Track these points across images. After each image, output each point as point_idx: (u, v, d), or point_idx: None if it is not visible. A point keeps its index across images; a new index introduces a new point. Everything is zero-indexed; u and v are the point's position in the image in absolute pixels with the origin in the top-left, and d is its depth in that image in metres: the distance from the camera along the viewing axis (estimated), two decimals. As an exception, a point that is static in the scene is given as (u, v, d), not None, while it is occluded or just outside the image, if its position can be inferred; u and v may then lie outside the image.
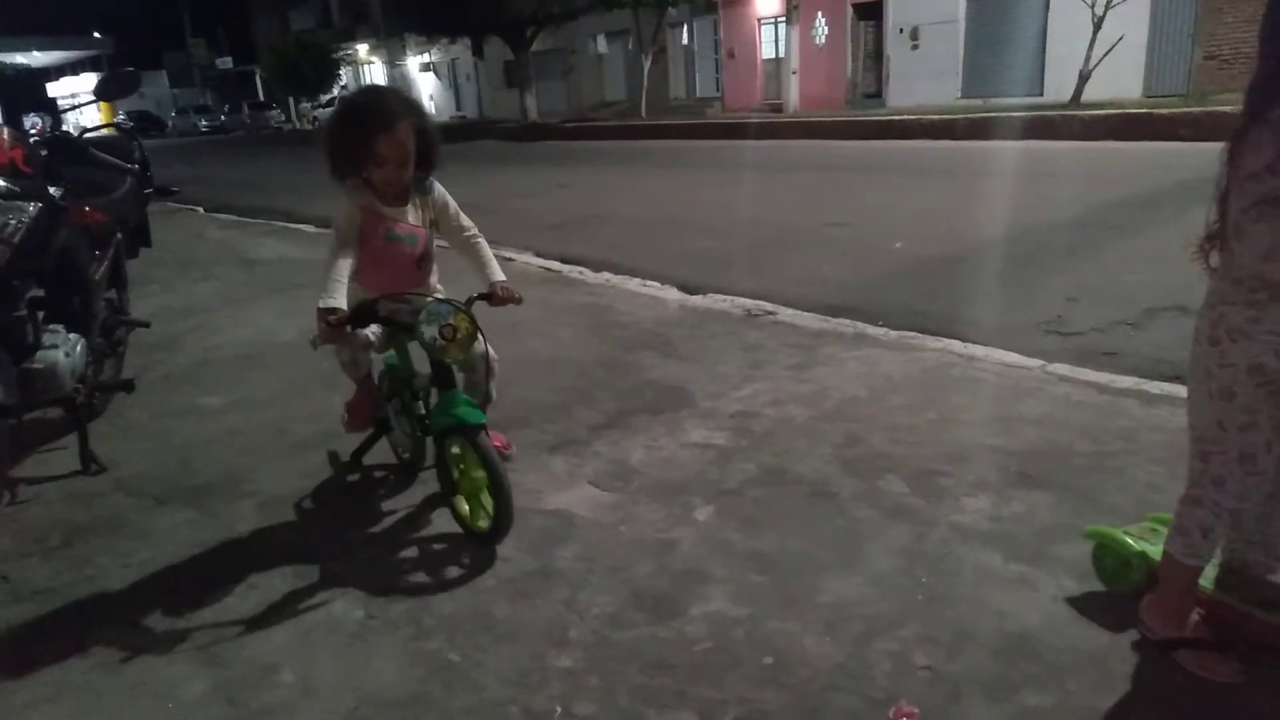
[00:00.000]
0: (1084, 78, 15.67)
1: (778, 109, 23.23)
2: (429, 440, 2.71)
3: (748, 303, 4.75)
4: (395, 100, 2.48)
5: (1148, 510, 2.18)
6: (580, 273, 5.88)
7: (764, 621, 1.99)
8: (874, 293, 5.05)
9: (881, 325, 4.21)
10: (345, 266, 2.38)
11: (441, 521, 2.56)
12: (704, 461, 2.86)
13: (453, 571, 2.31)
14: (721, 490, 2.65)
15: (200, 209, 10.87)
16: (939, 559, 2.22)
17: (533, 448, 3.04)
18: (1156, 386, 3.18)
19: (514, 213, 9.04)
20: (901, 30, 22.24)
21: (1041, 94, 18.45)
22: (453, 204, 2.64)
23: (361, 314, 2.36)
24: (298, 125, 45.00)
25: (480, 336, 2.35)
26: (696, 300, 4.99)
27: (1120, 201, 7.43)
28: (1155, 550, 1.89)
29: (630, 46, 27.56)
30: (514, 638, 2.01)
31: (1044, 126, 13.51)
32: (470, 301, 2.41)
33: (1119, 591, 1.97)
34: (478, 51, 31.59)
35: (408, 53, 41.44)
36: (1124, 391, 3.15)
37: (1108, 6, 15.25)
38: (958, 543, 2.28)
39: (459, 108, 40.40)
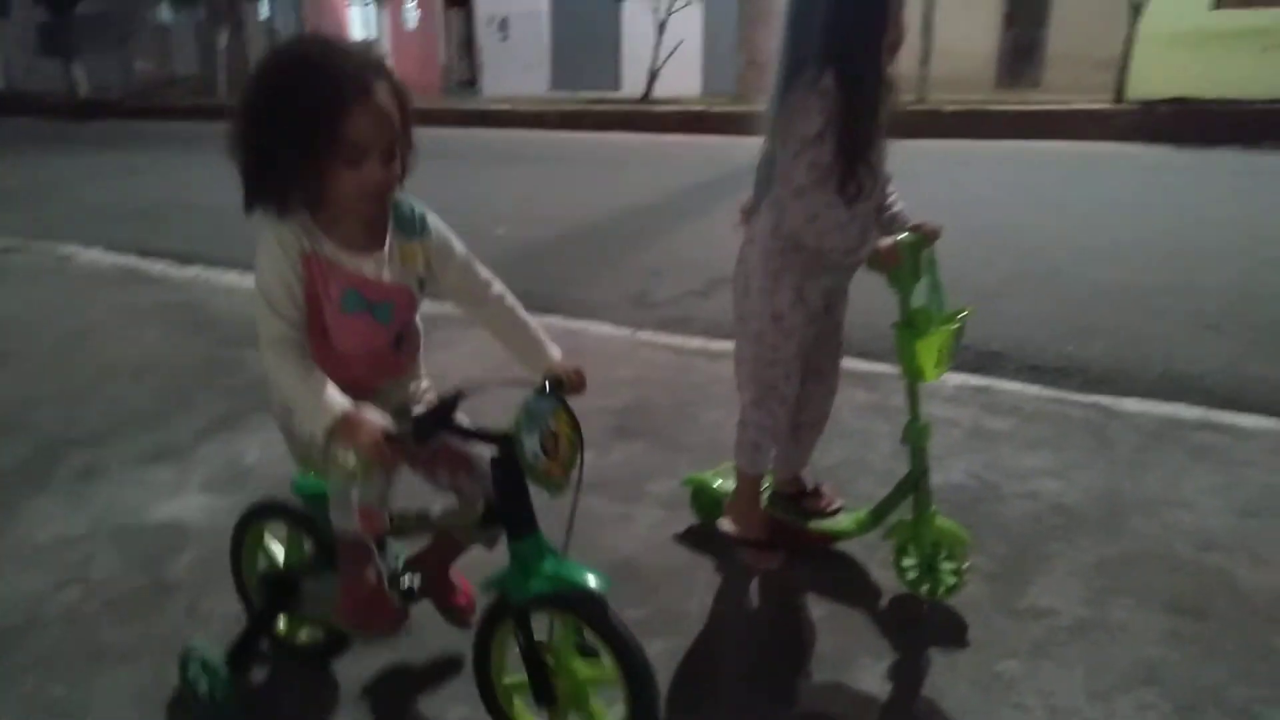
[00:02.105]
0: (653, 75, 17.46)
1: (373, 93, 22.67)
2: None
3: (358, 292, 4.71)
4: (356, 48, 1.44)
5: (716, 447, 2.64)
6: (164, 268, 5.35)
7: (399, 592, 2.09)
8: (482, 277, 5.27)
9: (491, 307, 4.45)
10: (309, 362, 1.47)
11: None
12: (325, 452, 2.85)
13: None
14: (346, 478, 2.68)
15: None
16: (556, 508, 2.48)
17: (128, 462, 2.80)
18: (718, 344, 3.76)
19: (75, 202, 7.85)
20: (490, 20, 22.90)
21: (619, 89, 20.19)
22: (458, 245, 1.66)
23: (434, 420, 1.53)
24: None
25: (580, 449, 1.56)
26: (302, 292, 4.82)
27: (686, 188, 8.50)
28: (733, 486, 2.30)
29: (203, 17, 24.94)
30: (132, 659, 1.90)
31: (622, 119, 14.85)
32: (552, 392, 1.61)
33: (712, 521, 2.36)
34: (3, 10, 26.44)
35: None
36: (695, 351, 3.71)
37: (669, 11, 17.13)
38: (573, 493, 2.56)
39: (-22, 77, 33.53)
